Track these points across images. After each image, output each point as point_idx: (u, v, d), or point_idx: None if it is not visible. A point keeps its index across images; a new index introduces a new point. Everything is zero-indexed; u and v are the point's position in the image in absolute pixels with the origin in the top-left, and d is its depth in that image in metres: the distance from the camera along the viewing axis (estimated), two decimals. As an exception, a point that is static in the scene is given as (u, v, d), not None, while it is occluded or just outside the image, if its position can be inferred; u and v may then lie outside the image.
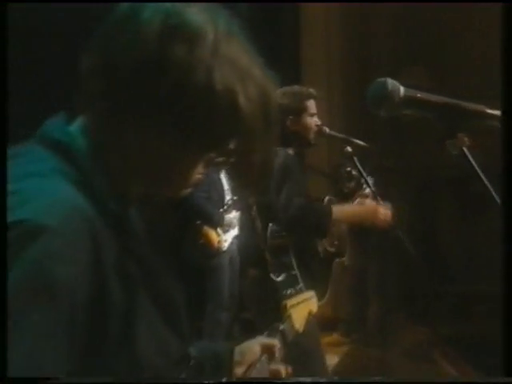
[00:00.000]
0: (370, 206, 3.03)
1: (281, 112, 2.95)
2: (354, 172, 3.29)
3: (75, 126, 1.09)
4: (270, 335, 1.54)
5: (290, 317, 1.63)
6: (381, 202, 3.09)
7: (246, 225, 3.30)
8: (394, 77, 1.16)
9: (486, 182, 1.12)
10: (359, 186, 3.39)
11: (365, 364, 4.24)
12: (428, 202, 5.95)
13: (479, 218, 5.14)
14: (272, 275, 2.83)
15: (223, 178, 5.21)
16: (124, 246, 1.04)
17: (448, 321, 4.78)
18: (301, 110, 3.08)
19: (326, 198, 3.27)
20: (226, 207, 5.15)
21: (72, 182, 1.00)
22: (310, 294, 1.74)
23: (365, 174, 3.13)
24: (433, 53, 5.94)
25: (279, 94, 3.06)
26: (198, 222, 5.01)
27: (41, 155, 1.04)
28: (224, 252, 4.97)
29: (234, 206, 5.14)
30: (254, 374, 1.39)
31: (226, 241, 4.99)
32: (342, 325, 5.69)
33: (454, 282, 5.64)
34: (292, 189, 2.91)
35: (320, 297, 2.93)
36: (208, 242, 5.01)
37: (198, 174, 1.14)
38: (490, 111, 1.14)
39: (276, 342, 1.50)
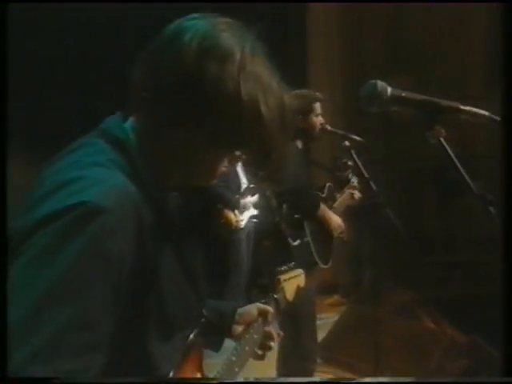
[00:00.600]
0: (335, 219, 3.13)
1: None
2: (349, 163, 3.26)
3: (128, 125, 1.11)
4: (265, 303, 1.54)
5: (283, 288, 1.61)
6: (373, 187, 3.13)
7: (262, 205, 3.33)
8: (385, 79, 1.18)
9: (460, 167, 1.15)
10: (353, 175, 3.46)
11: (360, 320, 4.31)
12: (411, 186, 5.94)
13: (454, 200, 5.16)
14: (290, 240, 2.92)
15: (239, 170, 5.41)
16: (161, 226, 1.07)
17: (429, 285, 4.82)
18: (309, 111, 3.14)
19: (327, 185, 3.39)
20: (241, 193, 5.34)
21: (125, 172, 1.02)
22: (300, 272, 1.72)
23: (360, 164, 3.15)
24: (420, 59, 5.94)
25: (291, 97, 3.14)
26: (220, 206, 5.24)
27: (102, 148, 1.05)
28: (241, 229, 5.16)
29: (249, 191, 5.35)
30: (251, 333, 1.41)
31: (242, 220, 5.17)
32: (341, 288, 5.82)
33: (434, 253, 5.68)
34: (296, 175, 2.99)
35: (326, 262, 3.06)
36: (227, 222, 5.23)
37: (224, 167, 1.17)
38: (462, 107, 1.17)
39: (270, 309, 1.51)
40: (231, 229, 5.21)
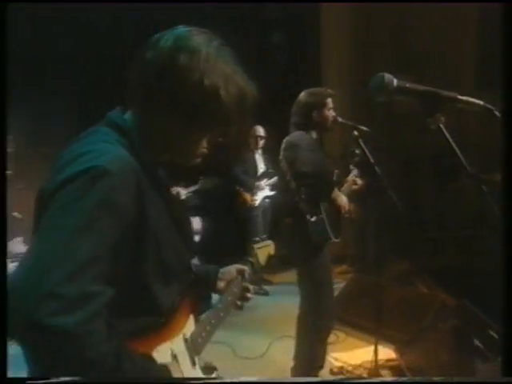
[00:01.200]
0: (343, 199, 3.14)
1: (308, 107, 3.11)
2: (357, 151, 3.24)
3: (127, 116, 1.22)
4: (243, 264, 1.61)
5: (256, 255, 1.68)
6: (378, 172, 3.15)
7: (282, 187, 3.39)
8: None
9: (457, 150, 1.16)
10: (354, 166, 3.44)
11: (364, 286, 4.36)
12: (411, 171, 5.94)
13: (448, 184, 5.15)
14: (308, 216, 2.96)
15: (257, 157, 5.53)
16: (155, 189, 1.17)
17: (424, 256, 4.85)
18: (322, 106, 3.13)
19: (335, 171, 3.40)
20: (258, 177, 5.47)
21: (126, 148, 1.12)
22: (270, 242, 1.77)
23: (367, 152, 3.15)
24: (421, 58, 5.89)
25: (307, 94, 3.19)
26: (238, 188, 5.39)
27: (107, 132, 1.16)
28: (256, 207, 5.33)
29: (266, 175, 5.45)
30: (231, 287, 1.50)
31: (256, 200, 5.34)
32: (349, 259, 5.92)
33: (429, 229, 5.68)
34: (307, 156, 3.00)
35: (337, 237, 3.10)
36: (244, 201, 5.45)
37: (203, 148, 1.24)
38: (460, 97, 1.18)
39: (246, 268, 1.58)
40: (247, 207, 5.39)
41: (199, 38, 1.16)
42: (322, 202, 3.03)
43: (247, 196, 5.46)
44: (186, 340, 1.31)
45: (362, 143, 3.20)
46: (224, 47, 1.20)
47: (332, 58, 6.47)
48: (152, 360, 1.14)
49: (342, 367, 3.53)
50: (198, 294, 1.43)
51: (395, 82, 1.16)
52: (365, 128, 3.25)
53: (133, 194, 1.06)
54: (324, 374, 3.33)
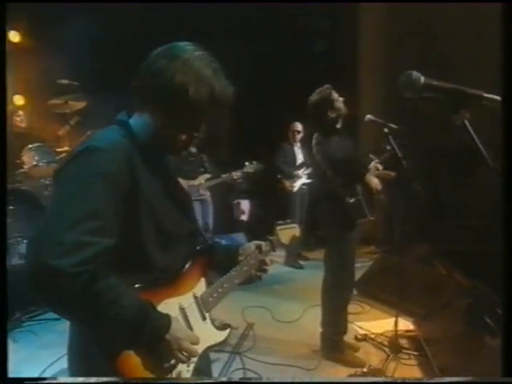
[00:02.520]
0: (375, 181, 3.02)
1: (320, 104, 2.97)
2: (387, 147, 3.14)
3: (134, 117, 1.24)
4: (262, 240, 1.58)
5: (277, 234, 1.66)
6: (404, 164, 3.05)
7: (317, 176, 3.30)
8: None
9: (479, 144, 1.07)
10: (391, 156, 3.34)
11: (389, 265, 4.24)
12: (434, 165, 5.73)
13: (467, 177, 4.94)
14: (347, 199, 2.89)
15: (296, 148, 5.48)
16: (152, 169, 1.19)
17: (444, 241, 4.66)
18: (331, 101, 2.98)
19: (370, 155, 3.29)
20: (296, 166, 5.43)
21: (125, 137, 1.17)
22: (294, 226, 1.73)
23: (396, 147, 3.04)
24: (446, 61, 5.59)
25: (314, 95, 3.01)
26: (279, 176, 5.37)
27: (114, 128, 1.21)
28: (294, 193, 5.29)
29: (304, 165, 5.38)
30: (248, 259, 1.47)
31: (295, 186, 5.31)
32: (377, 241, 5.79)
33: (449, 217, 5.45)
34: (342, 148, 2.95)
35: (372, 214, 3.00)
36: (284, 188, 5.46)
37: (188, 142, 1.23)
38: (485, 95, 1.07)
39: (263, 243, 1.55)
40: (286, 192, 5.36)
41: (186, 45, 1.19)
42: (357, 184, 2.97)
43: (287, 183, 5.43)
44: (195, 298, 1.32)
45: (391, 139, 3.09)
46: (207, 57, 1.20)
47: (367, 60, 6.31)
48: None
49: (365, 335, 3.44)
50: (212, 262, 1.43)
51: (422, 79, 1.07)
52: (394, 126, 3.13)
53: (124, 166, 1.10)
54: (349, 340, 3.27)
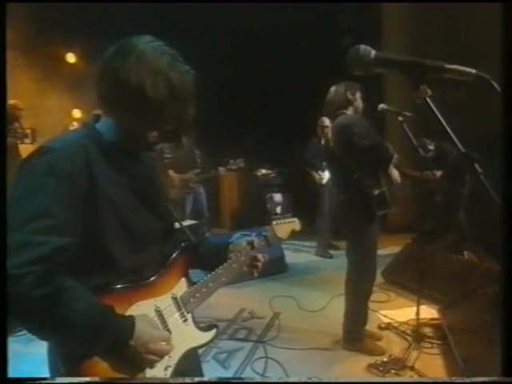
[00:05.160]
0: (395, 172, 2.82)
1: (341, 92, 2.80)
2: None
3: (101, 119, 1.15)
4: (256, 236, 1.46)
5: (272, 229, 1.51)
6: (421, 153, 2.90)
7: (336, 167, 3.09)
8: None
9: (445, 124, 0.88)
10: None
11: (416, 253, 3.92)
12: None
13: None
14: (372, 191, 2.69)
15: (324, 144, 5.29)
16: (115, 167, 1.10)
17: (478, 226, 4.30)
18: (355, 90, 2.84)
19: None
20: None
21: (88, 137, 1.09)
22: (294, 219, 1.59)
23: (410, 135, 2.81)
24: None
25: (335, 86, 2.87)
26: (308, 169, 5.21)
27: (78, 129, 1.15)
28: (323, 185, 5.10)
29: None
30: (238, 256, 1.36)
31: (323, 179, 5.12)
32: (404, 229, 5.45)
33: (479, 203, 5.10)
34: (362, 131, 2.70)
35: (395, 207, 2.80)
36: (313, 181, 5.27)
37: (160, 136, 1.12)
38: (448, 65, 0.89)
39: (255, 240, 1.42)
40: (316, 185, 5.18)
41: (140, 38, 1.08)
42: (381, 175, 2.75)
43: (316, 176, 5.26)
44: (174, 299, 1.21)
45: (406, 127, 2.86)
46: (161, 47, 1.09)
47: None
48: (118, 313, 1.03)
49: (389, 323, 3.22)
50: (197, 260, 1.31)
51: (373, 53, 0.90)
52: (409, 114, 2.90)
53: (80, 165, 1.02)
54: (372, 329, 3.07)
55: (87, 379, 0.98)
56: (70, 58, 6.48)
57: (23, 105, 4.75)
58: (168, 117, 1.09)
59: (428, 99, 0.88)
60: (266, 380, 1.44)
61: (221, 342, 3.00)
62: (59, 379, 0.99)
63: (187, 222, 4.50)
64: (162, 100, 1.05)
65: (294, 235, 1.60)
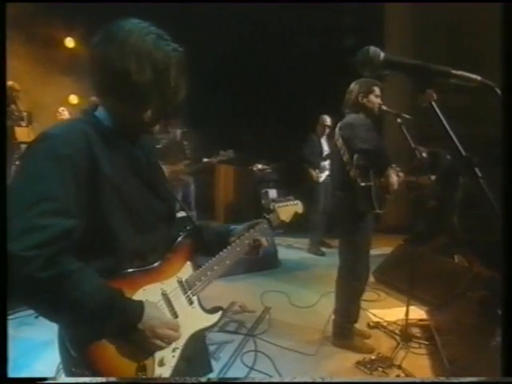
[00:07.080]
0: (394, 177, 2.82)
1: (357, 92, 2.84)
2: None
3: (99, 106, 1.15)
4: (260, 219, 1.46)
5: (275, 211, 1.51)
6: (418, 155, 2.84)
7: (335, 163, 3.12)
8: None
9: (449, 129, 0.90)
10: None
11: (407, 254, 3.97)
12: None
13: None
14: (358, 180, 2.72)
15: (323, 140, 5.32)
16: (116, 151, 1.10)
17: (465, 232, 4.38)
18: (369, 92, 2.85)
19: None
20: (323, 157, 5.28)
21: (88, 123, 1.09)
22: (296, 202, 1.58)
23: (408, 137, 2.83)
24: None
25: (357, 82, 2.90)
26: (305, 166, 5.23)
27: (78, 117, 1.15)
28: (319, 183, 5.13)
29: (329, 156, 5.20)
30: (241, 239, 1.36)
31: (321, 177, 5.14)
32: (397, 230, 5.51)
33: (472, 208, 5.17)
34: (364, 134, 2.74)
35: (380, 209, 2.77)
36: (310, 178, 5.29)
37: (157, 116, 1.12)
38: (454, 71, 0.90)
39: (259, 222, 1.43)
40: (313, 182, 5.20)
41: (121, 25, 1.07)
42: (372, 171, 2.76)
43: (313, 173, 5.28)
44: (180, 282, 1.22)
45: (404, 129, 2.88)
46: (144, 27, 1.08)
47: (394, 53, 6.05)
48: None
49: (378, 322, 3.27)
50: (200, 244, 1.32)
51: (382, 55, 0.91)
52: (408, 116, 2.91)
53: (81, 149, 1.02)
54: (361, 327, 3.12)
55: (87, 379, 1.00)
56: (69, 42, 6.45)
57: (20, 86, 4.72)
58: (160, 96, 1.09)
59: (433, 103, 0.90)
60: (266, 380, 1.42)
61: (211, 333, 3.03)
62: (59, 379, 1.03)
63: (179, 214, 4.52)
64: (148, 83, 1.05)
65: (296, 218, 1.60)
